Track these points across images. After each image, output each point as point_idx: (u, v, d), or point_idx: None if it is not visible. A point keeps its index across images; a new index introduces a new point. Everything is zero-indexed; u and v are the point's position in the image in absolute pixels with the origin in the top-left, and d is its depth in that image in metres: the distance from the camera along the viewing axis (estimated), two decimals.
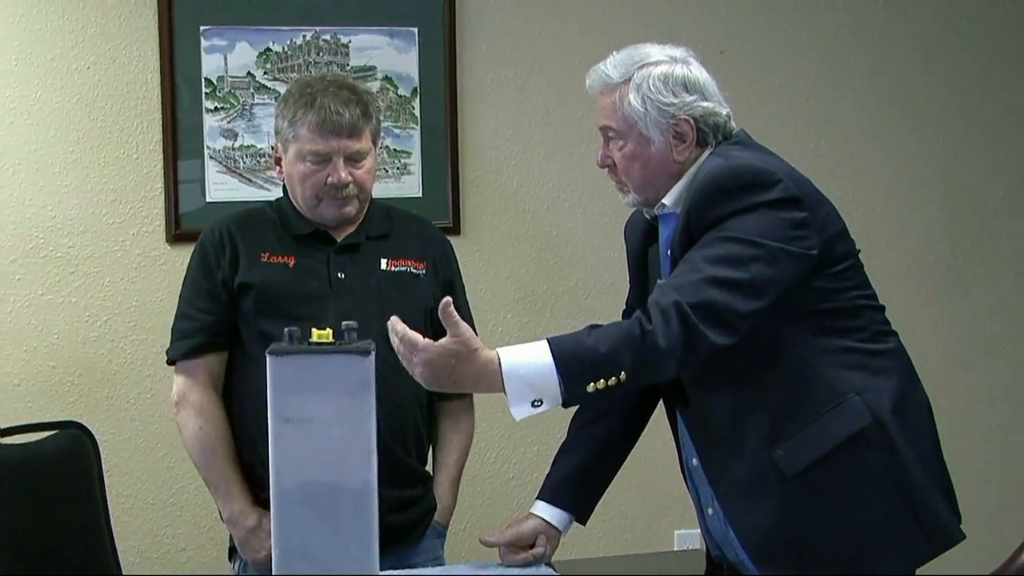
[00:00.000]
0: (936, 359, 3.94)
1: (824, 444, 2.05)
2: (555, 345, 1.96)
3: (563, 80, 3.64)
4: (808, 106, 3.90)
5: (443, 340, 1.96)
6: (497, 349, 1.99)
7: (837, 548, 2.08)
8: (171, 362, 2.58)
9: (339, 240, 2.53)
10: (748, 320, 2.01)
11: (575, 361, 1.95)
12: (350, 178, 2.46)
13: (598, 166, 2.25)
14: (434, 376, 1.97)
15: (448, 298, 2.02)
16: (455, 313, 1.98)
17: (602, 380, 1.94)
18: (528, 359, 1.96)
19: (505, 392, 1.96)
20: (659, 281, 2.17)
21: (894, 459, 2.07)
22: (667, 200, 2.18)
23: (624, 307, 2.40)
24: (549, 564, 2.31)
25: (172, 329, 2.57)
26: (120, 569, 2.97)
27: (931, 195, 4.01)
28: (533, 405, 1.96)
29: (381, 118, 2.59)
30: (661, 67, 2.16)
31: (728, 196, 2.05)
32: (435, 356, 1.96)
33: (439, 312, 1.98)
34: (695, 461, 2.21)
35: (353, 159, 2.46)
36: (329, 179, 2.45)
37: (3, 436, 2.88)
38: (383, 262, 2.53)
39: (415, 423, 2.54)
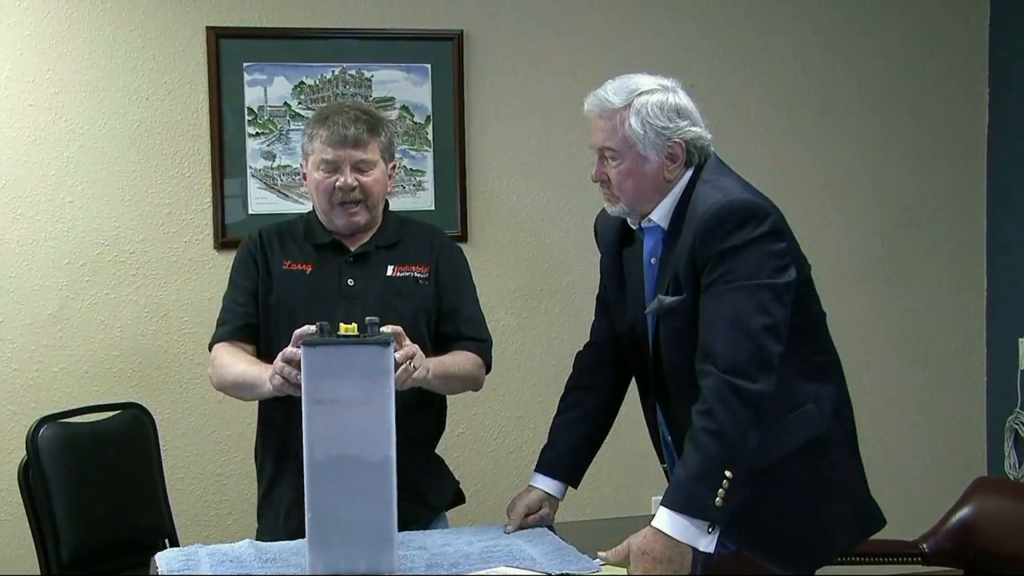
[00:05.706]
0: (875, 352, 3.93)
1: (782, 449, 2.02)
2: (668, 499, 1.90)
3: (556, 109, 3.64)
4: (766, 133, 3.87)
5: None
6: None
7: (789, 530, 2.06)
8: (211, 346, 2.50)
9: (352, 250, 2.45)
10: (779, 356, 1.93)
11: (688, 497, 1.89)
12: (356, 183, 2.37)
13: (592, 180, 2.16)
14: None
15: None
16: None
17: (720, 488, 1.87)
18: (667, 525, 1.89)
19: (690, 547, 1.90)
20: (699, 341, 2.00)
21: (838, 462, 2.09)
22: (654, 216, 2.10)
23: (596, 295, 2.35)
24: (549, 526, 2.30)
25: (216, 321, 2.52)
26: (174, 529, 2.99)
27: (871, 214, 3.98)
28: (708, 532, 1.89)
29: (394, 139, 2.51)
30: (656, 95, 2.08)
31: (728, 230, 1.97)
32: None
33: None
34: (670, 438, 2.18)
35: (359, 168, 2.38)
36: (337, 183, 2.37)
37: (75, 415, 2.91)
38: (389, 269, 2.43)
39: (420, 419, 2.41)
